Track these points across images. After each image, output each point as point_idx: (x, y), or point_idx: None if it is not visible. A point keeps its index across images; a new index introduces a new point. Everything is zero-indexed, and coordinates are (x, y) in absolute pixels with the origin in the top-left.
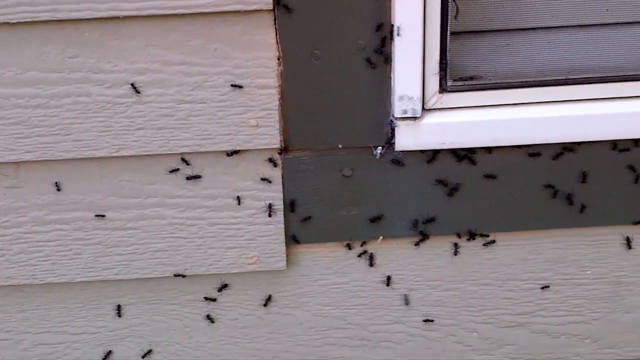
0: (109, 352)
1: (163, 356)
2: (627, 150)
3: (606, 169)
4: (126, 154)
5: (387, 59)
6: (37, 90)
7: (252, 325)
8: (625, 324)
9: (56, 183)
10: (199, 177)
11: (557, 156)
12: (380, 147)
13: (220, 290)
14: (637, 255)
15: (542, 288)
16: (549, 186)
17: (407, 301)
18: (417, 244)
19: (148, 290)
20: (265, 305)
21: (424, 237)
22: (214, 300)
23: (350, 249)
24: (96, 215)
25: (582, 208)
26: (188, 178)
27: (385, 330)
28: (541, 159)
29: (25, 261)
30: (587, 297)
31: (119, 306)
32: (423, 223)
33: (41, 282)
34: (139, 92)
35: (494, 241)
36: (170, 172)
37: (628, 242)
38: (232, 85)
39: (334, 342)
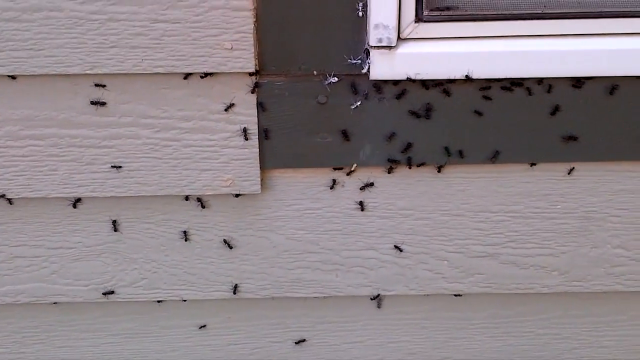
0: (111, 292)
1: (139, 272)
2: (596, 86)
3: (578, 104)
4: (99, 71)
5: None
6: (9, 3)
7: (226, 246)
8: (592, 259)
9: None
10: (104, 103)
11: (530, 90)
12: (334, 77)
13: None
14: (607, 192)
15: None
16: (520, 120)
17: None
18: (389, 171)
19: (123, 209)
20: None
21: (395, 165)
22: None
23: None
24: None
25: (551, 143)
26: (92, 103)
27: (358, 256)
28: (515, 93)
29: (0, 175)
30: (557, 230)
31: (114, 222)
32: (400, 152)
33: (17, 197)
34: None
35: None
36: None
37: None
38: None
39: (307, 265)
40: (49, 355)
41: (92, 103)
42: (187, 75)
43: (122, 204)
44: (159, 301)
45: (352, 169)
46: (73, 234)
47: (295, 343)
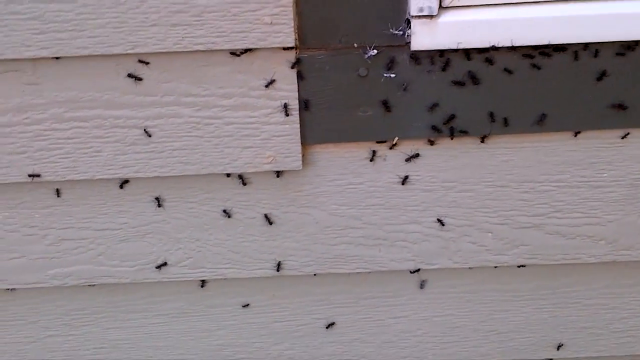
0: (164, 264)
1: (184, 252)
2: None
3: (626, 70)
4: (141, 51)
5: None
6: None
7: (268, 223)
8: None
9: None
10: (140, 79)
11: (576, 56)
12: (374, 49)
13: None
14: None
15: None
16: (565, 87)
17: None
18: (431, 144)
19: (167, 188)
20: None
21: (438, 136)
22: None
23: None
24: None
25: (599, 110)
26: (129, 75)
27: (401, 230)
28: (560, 59)
29: (46, 158)
30: (603, 199)
31: (157, 198)
32: (443, 123)
33: (63, 179)
34: None
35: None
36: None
37: None
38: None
39: (350, 241)
40: (98, 336)
41: (129, 76)
42: (233, 52)
43: (166, 183)
44: (202, 281)
45: (394, 143)
46: (119, 215)
47: (326, 328)
